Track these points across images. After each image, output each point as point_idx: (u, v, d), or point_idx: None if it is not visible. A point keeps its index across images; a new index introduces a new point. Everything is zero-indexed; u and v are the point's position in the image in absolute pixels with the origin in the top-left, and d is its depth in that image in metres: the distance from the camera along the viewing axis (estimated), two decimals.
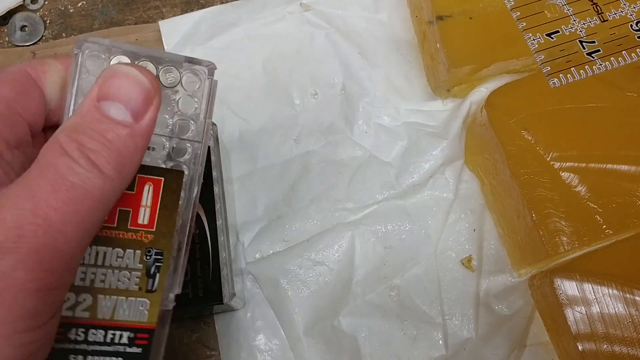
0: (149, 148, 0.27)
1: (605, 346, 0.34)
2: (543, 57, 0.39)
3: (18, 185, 0.21)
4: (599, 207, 0.36)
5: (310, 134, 0.44)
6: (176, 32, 0.46)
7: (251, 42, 0.46)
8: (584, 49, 0.39)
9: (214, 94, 0.29)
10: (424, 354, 0.39)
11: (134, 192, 0.26)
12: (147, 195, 0.26)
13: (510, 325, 0.39)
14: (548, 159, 0.37)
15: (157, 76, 0.27)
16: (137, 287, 0.26)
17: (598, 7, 0.40)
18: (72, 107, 0.26)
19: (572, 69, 0.39)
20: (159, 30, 0.46)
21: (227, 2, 0.48)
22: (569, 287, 0.35)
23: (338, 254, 0.41)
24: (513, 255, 0.40)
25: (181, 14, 0.48)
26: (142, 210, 0.26)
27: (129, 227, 0.26)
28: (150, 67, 0.27)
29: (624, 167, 0.37)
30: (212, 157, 0.39)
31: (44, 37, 0.48)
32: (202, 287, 0.37)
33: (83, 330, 0.25)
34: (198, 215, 0.37)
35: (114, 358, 0.26)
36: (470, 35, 0.41)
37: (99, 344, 0.26)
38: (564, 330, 0.35)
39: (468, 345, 0.39)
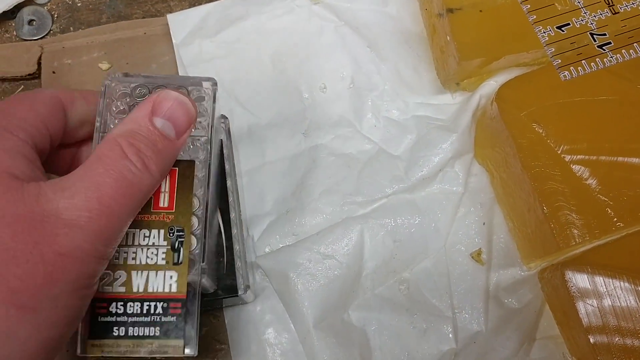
0: None
1: (617, 339, 0.34)
2: (554, 49, 0.39)
3: (85, 177, 0.26)
4: (610, 200, 0.36)
5: (319, 127, 0.44)
6: (184, 25, 0.46)
7: (259, 36, 0.46)
8: (595, 41, 0.39)
9: (215, 99, 0.34)
10: (433, 347, 0.39)
11: None
12: (165, 183, 0.31)
13: (520, 318, 0.39)
14: (559, 152, 0.37)
15: None
16: (164, 261, 0.30)
17: None
18: (100, 124, 0.32)
19: (583, 61, 0.39)
20: (167, 24, 0.46)
21: None
22: (580, 280, 0.35)
23: (347, 248, 0.41)
24: (523, 248, 0.40)
25: (189, 7, 0.48)
26: (162, 195, 0.30)
27: (152, 210, 0.30)
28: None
29: (635, 160, 0.37)
30: (225, 151, 0.39)
31: (51, 31, 0.48)
32: (217, 280, 0.37)
33: (122, 303, 0.29)
34: None
35: (151, 328, 0.29)
36: (481, 28, 0.41)
37: (137, 315, 0.29)
38: (575, 323, 0.35)
39: (478, 338, 0.39)
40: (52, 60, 0.46)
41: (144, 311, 0.29)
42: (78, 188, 0.25)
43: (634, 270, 0.35)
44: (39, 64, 0.46)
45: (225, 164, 0.39)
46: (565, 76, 0.38)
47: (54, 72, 0.46)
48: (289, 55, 0.46)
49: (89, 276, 0.26)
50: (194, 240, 0.31)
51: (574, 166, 0.37)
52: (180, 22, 0.46)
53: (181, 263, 0.30)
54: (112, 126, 0.32)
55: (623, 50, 0.39)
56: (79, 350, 0.29)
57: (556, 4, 0.40)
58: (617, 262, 0.35)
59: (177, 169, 0.31)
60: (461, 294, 0.40)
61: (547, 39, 0.39)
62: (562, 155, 0.37)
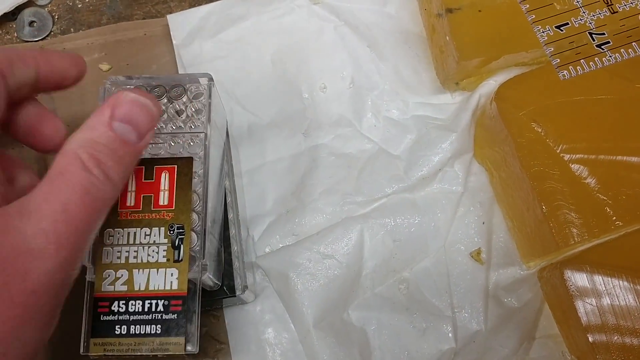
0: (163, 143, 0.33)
1: (616, 337, 0.34)
2: (552, 49, 0.39)
3: (50, 197, 0.24)
4: (609, 199, 0.36)
5: (319, 127, 0.44)
6: (184, 26, 0.46)
7: (260, 36, 0.46)
8: (594, 40, 0.39)
9: (212, 95, 0.34)
10: (433, 346, 0.39)
11: (153, 181, 0.31)
12: (164, 181, 0.31)
13: (519, 317, 0.39)
14: (558, 151, 0.37)
15: (168, 93, 0.34)
16: (165, 259, 0.30)
17: None
18: None
19: (582, 61, 0.39)
20: (167, 25, 0.46)
21: None
22: (579, 279, 0.35)
23: (347, 248, 0.41)
24: (522, 247, 0.40)
25: (189, 8, 0.48)
26: (161, 193, 0.31)
27: (152, 209, 0.31)
28: (161, 89, 0.34)
29: (634, 159, 0.37)
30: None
31: (52, 33, 0.48)
32: (221, 277, 0.37)
33: (124, 302, 0.30)
34: None
35: (153, 325, 0.30)
36: (480, 27, 0.41)
37: (139, 313, 0.30)
38: (574, 322, 0.35)
39: (477, 337, 0.39)
40: None
41: (146, 309, 0.30)
42: (44, 211, 0.24)
43: (632, 269, 0.35)
44: None
45: (224, 164, 0.39)
46: (564, 75, 0.38)
47: None
48: (289, 55, 0.46)
49: (59, 305, 0.26)
50: (194, 236, 0.31)
51: (572, 165, 0.37)
52: (180, 23, 0.46)
53: (182, 260, 0.30)
54: None
55: (622, 50, 0.39)
56: (82, 349, 0.30)
57: (555, 4, 0.40)
58: (616, 261, 0.36)
59: (175, 166, 0.31)
60: (461, 293, 0.40)
61: (546, 38, 0.39)
62: (561, 155, 0.37)
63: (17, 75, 0.29)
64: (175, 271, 0.30)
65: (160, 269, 0.30)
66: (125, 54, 0.46)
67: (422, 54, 0.46)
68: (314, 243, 0.41)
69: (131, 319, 0.30)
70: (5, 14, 0.47)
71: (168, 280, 0.30)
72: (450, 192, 0.42)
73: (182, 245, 0.30)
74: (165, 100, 0.34)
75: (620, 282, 0.35)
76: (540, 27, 0.40)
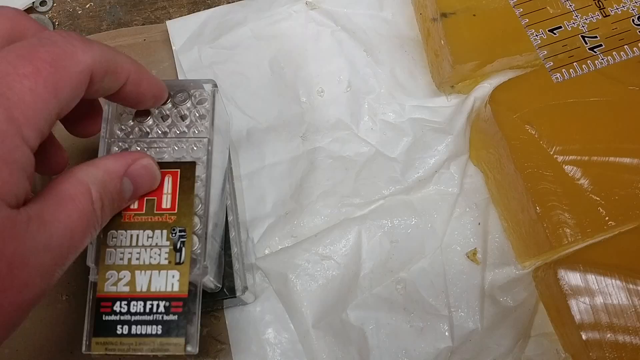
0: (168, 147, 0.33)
1: (609, 335, 0.35)
2: (546, 52, 0.40)
3: (62, 216, 0.25)
4: (602, 200, 0.37)
5: (316, 130, 0.45)
6: (183, 32, 0.47)
7: (258, 41, 0.47)
8: (586, 44, 0.40)
9: (215, 101, 0.35)
10: (430, 345, 0.39)
11: None
12: (167, 184, 0.32)
13: (514, 316, 0.40)
14: (551, 153, 0.38)
15: (172, 98, 0.34)
16: (167, 261, 0.31)
17: (600, 2, 0.41)
18: (106, 131, 0.33)
19: (575, 63, 0.39)
20: (167, 31, 0.47)
21: (234, 1, 0.49)
22: (572, 278, 0.36)
23: (345, 249, 0.41)
24: (517, 247, 0.41)
25: (188, 14, 0.48)
26: (164, 197, 0.32)
27: (155, 212, 0.31)
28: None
29: (626, 160, 0.37)
30: None
31: None
32: (222, 279, 0.37)
33: (126, 303, 0.30)
34: None
35: (154, 326, 0.30)
36: (474, 31, 0.41)
37: (140, 314, 0.30)
38: (568, 320, 0.36)
39: (473, 336, 0.40)
40: None
41: (147, 310, 0.30)
42: (56, 229, 0.24)
43: (625, 268, 0.36)
44: None
45: (227, 169, 0.39)
46: (557, 78, 0.39)
47: None
48: (287, 60, 0.46)
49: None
50: (195, 240, 0.32)
51: (566, 166, 0.37)
52: (179, 29, 0.47)
53: (183, 263, 0.31)
54: (118, 132, 0.33)
55: (614, 52, 0.39)
56: (83, 348, 0.30)
57: (548, 8, 0.41)
58: (609, 260, 0.36)
59: (178, 170, 0.32)
60: (457, 292, 0.41)
61: (539, 41, 0.40)
62: (555, 156, 0.38)
63: (104, 85, 0.27)
64: (176, 273, 0.31)
65: (162, 271, 0.31)
66: None
67: (418, 58, 0.46)
68: (312, 244, 0.41)
69: (133, 319, 0.30)
70: None
71: (169, 282, 0.31)
72: (446, 194, 0.43)
73: (183, 248, 0.31)
74: (170, 105, 0.34)
75: (613, 280, 0.36)
76: (533, 30, 0.41)
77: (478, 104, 0.43)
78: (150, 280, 0.31)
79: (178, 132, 0.34)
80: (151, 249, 0.31)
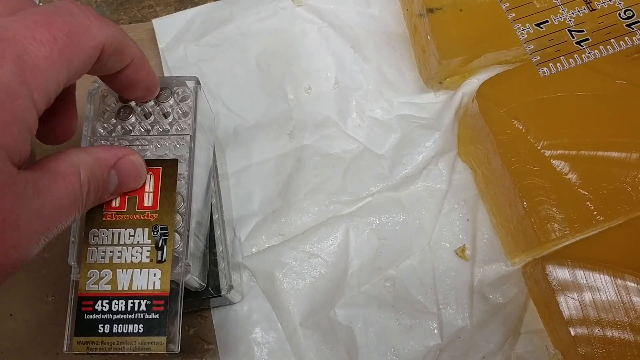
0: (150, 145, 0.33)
1: (597, 330, 0.34)
2: (533, 46, 0.40)
3: (54, 190, 0.25)
4: (590, 194, 0.36)
5: (304, 128, 0.45)
6: (169, 30, 0.46)
7: (244, 38, 0.46)
8: (573, 38, 0.40)
9: (198, 98, 0.35)
10: (419, 343, 0.39)
11: None
12: (149, 182, 0.31)
13: (504, 313, 0.40)
14: (539, 147, 0.37)
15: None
16: (148, 259, 0.30)
17: None
18: (88, 130, 0.33)
19: (562, 57, 0.39)
20: (153, 29, 0.47)
21: None
22: (560, 274, 0.35)
23: (333, 246, 0.41)
24: (506, 244, 0.41)
25: (175, 12, 0.48)
26: (146, 195, 0.31)
27: (136, 210, 0.31)
28: None
29: (614, 154, 0.37)
30: None
31: None
32: (206, 278, 0.37)
33: (107, 301, 0.30)
34: None
35: (135, 325, 0.30)
36: (461, 27, 0.41)
37: (122, 312, 0.30)
38: (557, 316, 0.35)
39: (463, 333, 0.39)
40: None
41: (129, 308, 0.30)
42: (48, 199, 0.25)
43: (614, 263, 0.36)
44: None
45: (212, 166, 0.39)
46: (544, 72, 0.39)
47: None
48: (274, 57, 0.46)
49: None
50: (177, 238, 0.31)
51: (554, 161, 0.37)
52: (165, 27, 0.47)
53: (164, 261, 0.30)
54: (101, 130, 0.33)
55: (600, 46, 0.39)
56: (65, 347, 0.30)
57: (535, 2, 0.41)
58: (597, 255, 0.36)
59: (160, 168, 0.32)
60: (446, 290, 0.40)
61: (526, 36, 0.40)
62: (542, 151, 0.37)
63: (108, 64, 0.28)
64: (158, 272, 0.30)
65: (143, 270, 0.30)
66: None
67: (405, 54, 0.46)
68: (299, 242, 0.41)
69: (114, 318, 0.30)
70: None
71: (151, 280, 0.30)
72: (434, 190, 0.42)
73: (165, 246, 0.31)
74: (152, 103, 0.34)
75: (602, 276, 0.35)
76: (520, 25, 0.40)
77: (466, 100, 0.42)
78: (131, 279, 0.30)
79: (161, 129, 0.34)
80: (133, 248, 0.31)
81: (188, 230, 0.32)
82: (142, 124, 0.33)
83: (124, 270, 0.30)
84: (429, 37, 0.41)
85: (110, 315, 0.30)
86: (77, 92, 0.31)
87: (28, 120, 0.24)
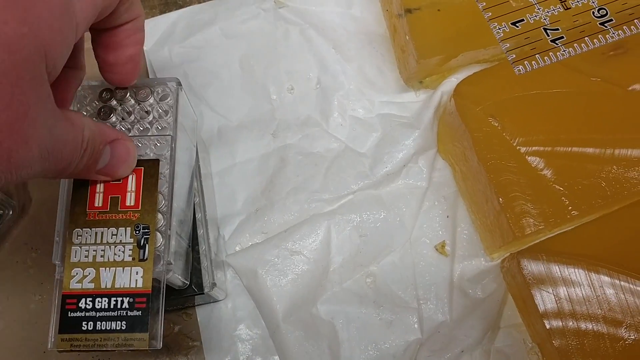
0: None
1: (571, 323, 0.35)
2: (508, 45, 0.40)
3: (65, 128, 0.26)
4: (565, 189, 0.37)
5: (287, 127, 0.45)
6: (154, 32, 0.47)
7: (228, 40, 0.47)
8: (548, 36, 0.40)
9: (179, 97, 0.35)
10: (400, 338, 0.40)
11: (120, 182, 0.32)
12: (131, 182, 0.32)
13: (483, 308, 0.40)
14: (514, 144, 0.38)
15: (136, 95, 0.35)
16: (131, 257, 0.31)
17: None
18: None
19: (537, 55, 0.40)
20: None
21: (204, 1, 0.49)
22: (535, 268, 0.36)
23: (315, 244, 0.42)
24: (485, 239, 0.41)
25: (160, 15, 0.49)
26: (128, 194, 0.32)
27: (119, 209, 0.32)
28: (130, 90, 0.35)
29: (589, 150, 0.38)
30: None
31: None
32: (189, 276, 0.38)
33: (91, 299, 0.31)
34: None
35: (118, 322, 0.31)
36: (439, 26, 0.42)
37: (105, 310, 0.31)
38: (532, 309, 0.36)
39: (442, 328, 0.40)
40: None
41: (111, 306, 0.31)
42: (57, 130, 0.25)
43: (588, 257, 0.36)
44: None
45: (194, 166, 0.40)
46: (519, 70, 0.40)
47: None
48: (257, 58, 0.47)
49: None
50: (159, 236, 0.32)
51: (529, 157, 0.38)
52: (150, 29, 0.47)
53: (146, 259, 0.31)
54: None
55: (575, 44, 0.40)
56: (49, 345, 0.31)
57: (511, 1, 0.41)
58: (572, 249, 0.37)
59: (142, 168, 0.33)
60: (426, 285, 0.41)
61: (502, 35, 0.41)
62: (518, 147, 0.38)
63: (121, 9, 0.29)
64: (140, 270, 0.31)
65: (126, 268, 0.31)
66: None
67: (386, 54, 0.47)
68: (282, 240, 0.42)
69: (97, 315, 0.31)
70: None
71: (133, 278, 0.31)
72: (415, 187, 0.43)
73: (147, 245, 0.31)
74: (133, 102, 0.34)
75: (576, 270, 0.36)
76: (496, 24, 0.41)
77: (445, 99, 0.43)
78: (114, 277, 0.31)
79: (141, 128, 0.34)
80: (115, 246, 0.31)
81: (169, 229, 0.32)
82: (123, 123, 0.34)
83: (107, 268, 0.31)
84: (407, 37, 0.42)
85: (94, 312, 0.31)
86: None
87: (69, 39, 0.25)
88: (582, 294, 0.35)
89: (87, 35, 0.30)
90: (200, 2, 0.49)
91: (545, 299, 0.36)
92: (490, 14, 0.41)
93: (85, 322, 0.31)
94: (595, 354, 0.34)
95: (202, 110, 0.46)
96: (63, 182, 0.33)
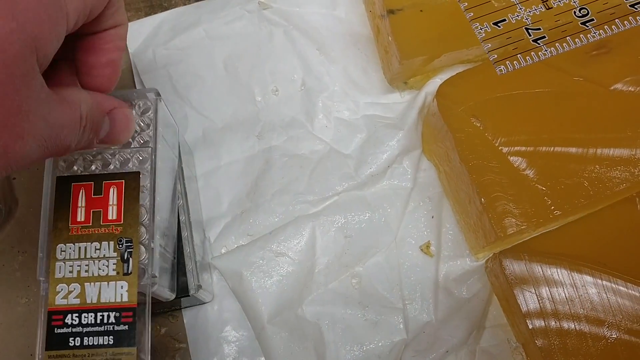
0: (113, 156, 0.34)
1: (554, 323, 0.35)
2: (490, 45, 0.40)
3: (62, 110, 0.26)
4: (548, 189, 0.37)
5: (272, 129, 0.45)
6: (139, 34, 0.47)
7: (212, 41, 0.47)
8: (530, 36, 0.40)
9: (158, 110, 0.35)
10: (385, 338, 0.40)
11: (102, 196, 0.32)
12: (112, 196, 0.32)
13: (468, 308, 0.40)
14: (497, 144, 0.38)
15: None
16: (115, 272, 0.31)
17: None
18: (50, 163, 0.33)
19: (519, 55, 0.40)
20: None
21: (189, 3, 0.49)
22: (517, 268, 0.36)
23: (300, 245, 0.42)
24: (469, 239, 0.41)
25: (145, 17, 0.49)
26: (110, 208, 0.32)
27: (101, 223, 0.32)
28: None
29: (572, 150, 0.38)
30: None
31: None
32: (176, 288, 0.38)
33: (77, 315, 0.31)
34: None
35: (105, 337, 0.31)
36: (421, 27, 0.42)
37: (91, 325, 0.31)
38: (516, 309, 0.36)
39: (428, 328, 0.40)
40: None
41: (98, 321, 0.31)
42: (55, 115, 0.25)
43: (571, 256, 0.36)
44: None
45: (177, 176, 0.40)
46: (501, 70, 0.40)
47: None
48: (241, 59, 0.47)
49: None
50: (143, 250, 0.32)
51: (511, 157, 0.38)
52: (135, 32, 0.47)
53: (131, 273, 0.31)
54: None
55: (557, 44, 0.40)
56: None
57: (493, 1, 0.41)
58: (555, 249, 0.37)
59: (123, 181, 0.33)
60: (411, 285, 0.41)
61: (483, 35, 0.41)
62: (500, 148, 0.38)
63: (107, 13, 0.29)
64: (125, 284, 0.31)
65: (110, 282, 0.31)
66: None
67: (371, 55, 0.47)
68: (267, 242, 0.42)
69: (84, 330, 0.31)
70: None
71: (119, 292, 0.31)
72: (399, 188, 0.43)
73: (130, 259, 0.31)
74: None
75: (558, 269, 0.36)
76: (478, 24, 0.41)
77: (429, 99, 0.43)
78: (99, 292, 0.31)
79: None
80: (99, 261, 0.31)
81: (153, 242, 0.32)
82: None
83: (92, 283, 0.31)
84: (390, 37, 0.42)
85: (80, 328, 0.31)
86: None
87: (59, 28, 0.25)
88: (565, 294, 0.36)
89: None
90: (185, 4, 0.49)
91: (527, 299, 0.36)
92: (472, 14, 0.41)
93: (72, 338, 0.31)
94: (577, 353, 0.34)
95: (187, 112, 0.46)
96: (45, 197, 0.33)
